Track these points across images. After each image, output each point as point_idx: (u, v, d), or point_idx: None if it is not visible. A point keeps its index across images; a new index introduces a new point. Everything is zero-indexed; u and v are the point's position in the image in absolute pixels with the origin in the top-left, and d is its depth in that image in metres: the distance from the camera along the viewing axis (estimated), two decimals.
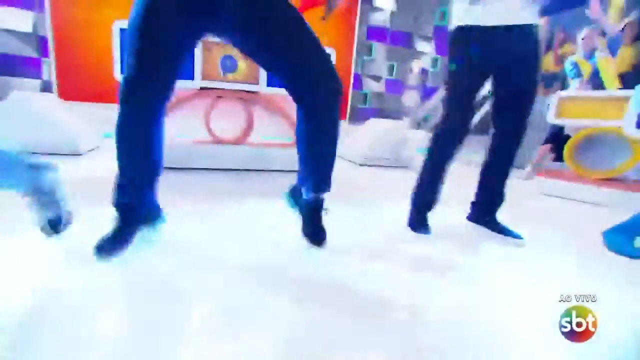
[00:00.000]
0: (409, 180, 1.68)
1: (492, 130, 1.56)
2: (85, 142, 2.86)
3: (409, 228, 1.56)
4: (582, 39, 3.23)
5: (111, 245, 1.01)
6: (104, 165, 2.43)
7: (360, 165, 3.46)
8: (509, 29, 1.34)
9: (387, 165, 3.48)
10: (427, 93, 6.82)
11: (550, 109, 2.87)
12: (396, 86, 7.35)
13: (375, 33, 7.20)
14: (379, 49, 7.27)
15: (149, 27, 0.94)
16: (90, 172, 2.19)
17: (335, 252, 1.18)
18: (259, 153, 2.55)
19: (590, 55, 3.20)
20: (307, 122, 1.11)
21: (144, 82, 0.96)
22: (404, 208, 1.62)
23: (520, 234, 1.54)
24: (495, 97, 1.52)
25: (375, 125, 3.67)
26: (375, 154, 3.41)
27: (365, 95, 7.37)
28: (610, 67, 3.04)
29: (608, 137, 2.64)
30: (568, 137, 2.90)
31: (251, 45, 1.07)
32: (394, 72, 7.36)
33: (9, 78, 5.60)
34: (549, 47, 4.61)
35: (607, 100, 2.60)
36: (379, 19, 7.18)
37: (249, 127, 2.55)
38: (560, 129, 3.22)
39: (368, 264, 1.10)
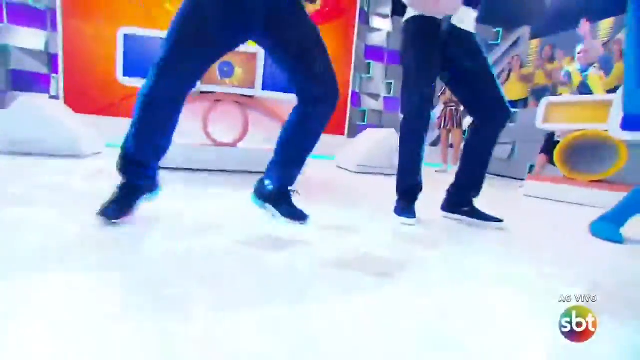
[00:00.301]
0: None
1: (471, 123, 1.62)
2: (88, 145, 2.94)
3: (395, 215, 1.57)
4: (579, 53, 3.36)
5: (116, 210, 1.08)
6: (104, 167, 2.50)
7: (357, 172, 3.51)
8: (460, 30, 1.50)
9: (384, 173, 3.54)
10: None
11: (537, 114, 2.95)
12: (394, 104, 7.52)
13: (373, 52, 7.46)
14: (377, 68, 7.51)
15: (194, 13, 1.05)
16: (91, 172, 2.26)
17: (332, 253, 1.17)
18: (254, 155, 2.62)
19: (586, 68, 3.33)
20: (301, 119, 1.22)
21: (180, 57, 1.05)
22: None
23: (497, 217, 1.58)
24: (459, 97, 1.62)
25: (371, 135, 3.75)
26: (371, 161, 3.47)
27: (364, 112, 7.53)
28: (598, 84, 3.16)
29: (596, 140, 2.70)
30: (558, 143, 2.96)
31: (278, 49, 1.19)
32: (392, 90, 7.56)
33: (20, 93, 5.80)
34: (539, 62, 4.80)
35: (592, 105, 2.68)
36: (377, 39, 7.46)
37: (244, 130, 2.63)
38: (552, 136, 3.28)
39: (367, 262, 1.11)
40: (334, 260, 1.04)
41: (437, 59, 1.49)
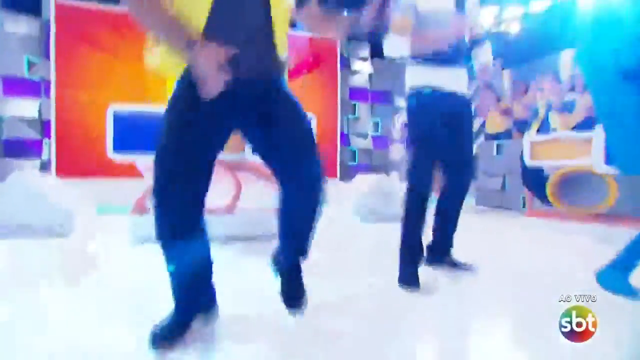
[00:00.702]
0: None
1: (442, 181, 1.69)
2: (79, 222, 2.90)
3: (400, 284, 1.54)
4: (542, 89, 3.54)
5: (169, 335, 1.01)
6: (95, 245, 2.47)
7: (353, 221, 3.48)
8: (460, 96, 1.61)
9: (377, 220, 3.48)
10: None
11: (523, 152, 3.03)
12: (383, 141, 7.71)
13: (357, 93, 7.77)
14: (362, 108, 7.78)
15: (181, 145, 1.00)
16: (82, 252, 2.23)
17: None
18: (250, 219, 2.60)
19: (549, 103, 3.48)
20: (289, 199, 1.17)
21: (179, 191, 1.00)
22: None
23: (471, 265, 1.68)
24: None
25: (362, 182, 3.78)
26: (365, 209, 3.44)
27: (354, 152, 7.68)
28: (557, 121, 3.33)
29: (585, 175, 2.75)
30: (547, 177, 3.01)
31: (260, 139, 1.16)
32: (379, 129, 7.78)
33: (12, 159, 5.82)
34: (515, 96, 5.03)
35: (575, 142, 2.77)
36: (359, 80, 7.81)
37: (237, 194, 2.64)
38: (537, 170, 3.31)
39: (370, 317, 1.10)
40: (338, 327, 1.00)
41: (442, 132, 1.57)
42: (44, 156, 5.96)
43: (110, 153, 2.42)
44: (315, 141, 1.18)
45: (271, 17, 1.06)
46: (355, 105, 7.74)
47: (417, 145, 1.61)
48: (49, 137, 5.88)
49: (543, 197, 3.13)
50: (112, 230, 2.94)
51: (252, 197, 2.73)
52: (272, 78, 1.11)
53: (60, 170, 5.65)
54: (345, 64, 7.67)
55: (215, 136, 1.07)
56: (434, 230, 1.77)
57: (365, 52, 7.89)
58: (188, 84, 0.98)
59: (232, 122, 1.11)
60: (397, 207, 3.53)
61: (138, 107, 2.48)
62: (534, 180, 3.19)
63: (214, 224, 2.47)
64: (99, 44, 5.96)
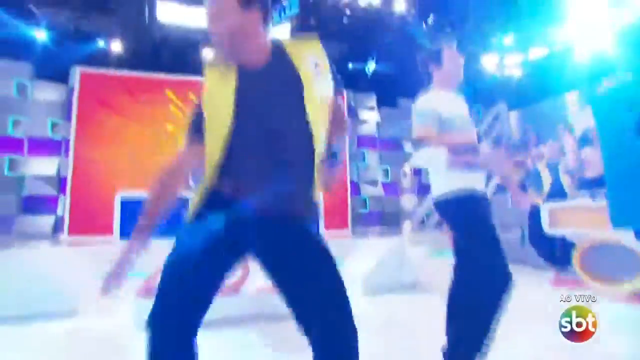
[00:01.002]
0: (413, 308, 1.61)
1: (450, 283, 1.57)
2: (84, 299, 2.84)
3: None
4: (547, 148, 3.48)
5: None
6: (98, 325, 2.41)
7: (364, 295, 3.25)
8: (484, 193, 1.65)
9: (391, 293, 3.25)
10: (423, 191, 6.99)
11: (543, 219, 2.89)
12: (393, 188, 7.63)
13: (365, 141, 7.84)
14: (371, 155, 7.82)
15: (183, 272, 0.96)
16: (87, 332, 2.19)
17: None
18: (259, 299, 2.50)
19: (554, 165, 3.40)
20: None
21: (170, 314, 0.96)
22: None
23: None
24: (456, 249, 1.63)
25: (374, 247, 3.62)
26: (377, 281, 3.26)
27: (365, 200, 7.59)
28: (566, 182, 3.22)
29: (616, 247, 2.54)
30: (572, 244, 2.82)
31: (276, 278, 1.06)
32: (389, 176, 7.75)
33: (29, 216, 5.92)
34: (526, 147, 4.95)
35: (597, 210, 2.60)
36: (367, 129, 7.92)
37: (245, 275, 2.56)
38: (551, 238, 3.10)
39: None
40: None
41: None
42: (59, 212, 6.03)
43: (117, 240, 2.40)
44: (348, 300, 1.02)
45: (313, 155, 1.00)
46: (364, 153, 7.79)
47: (482, 242, 1.53)
48: (64, 194, 5.98)
49: (561, 265, 2.93)
50: (118, 306, 2.86)
51: (258, 277, 2.64)
52: (302, 220, 1.03)
53: (72, 228, 5.66)
54: (353, 113, 7.84)
55: (219, 272, 1.02)
56: (451, 335, 1.54)
57: (372, 101, 8.08)
58: (200, 214, 0.98)
59: (243, 254, 1.05)
60: (410, 276, 3.41)
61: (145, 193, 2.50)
62: (548, 247, 3.01)
63: (220, 305, 2.40)
64: (116, 107, 6.29)
